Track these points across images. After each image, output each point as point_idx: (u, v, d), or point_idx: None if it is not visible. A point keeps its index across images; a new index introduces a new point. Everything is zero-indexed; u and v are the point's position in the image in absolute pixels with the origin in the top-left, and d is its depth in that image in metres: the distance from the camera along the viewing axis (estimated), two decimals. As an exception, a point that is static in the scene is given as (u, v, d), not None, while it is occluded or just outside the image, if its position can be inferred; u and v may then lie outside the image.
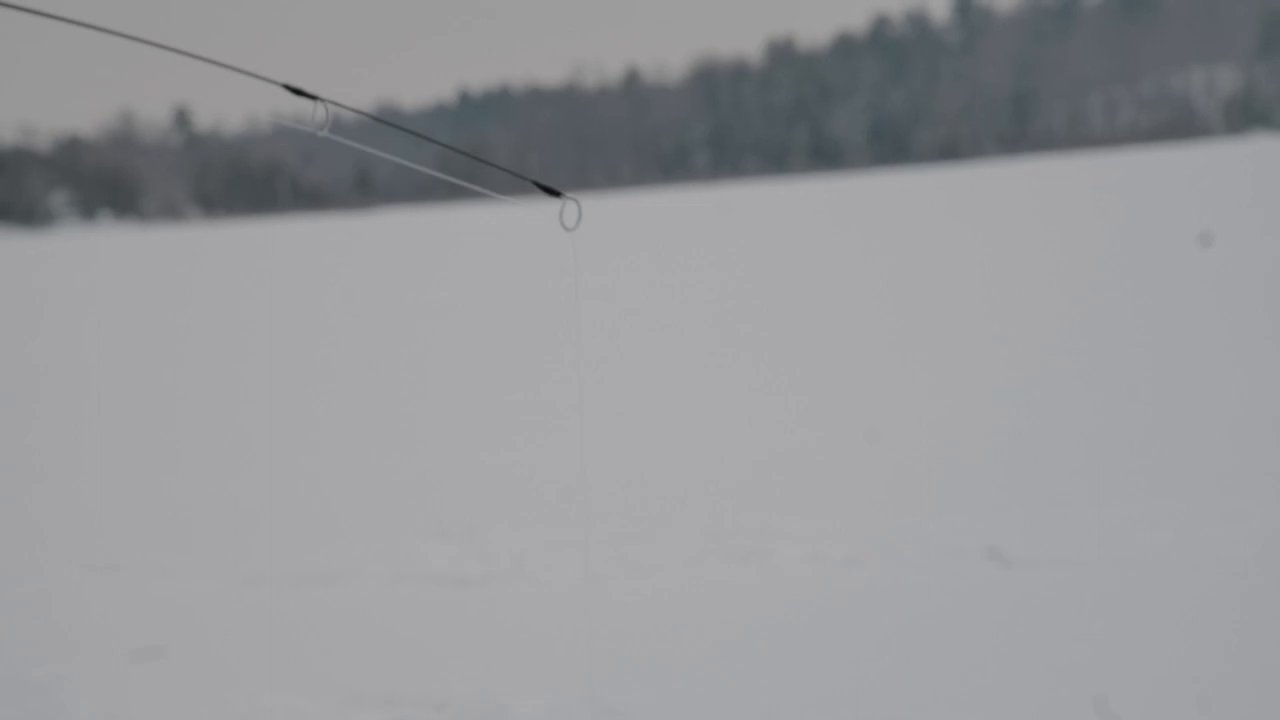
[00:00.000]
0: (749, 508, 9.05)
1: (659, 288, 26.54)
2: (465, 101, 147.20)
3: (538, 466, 10.84)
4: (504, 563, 8.16)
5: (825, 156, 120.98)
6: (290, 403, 15.63)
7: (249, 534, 9.34)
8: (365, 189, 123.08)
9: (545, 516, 9.21)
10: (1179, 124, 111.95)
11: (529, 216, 69.85)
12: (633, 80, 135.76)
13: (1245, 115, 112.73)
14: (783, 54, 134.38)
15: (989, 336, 16.58)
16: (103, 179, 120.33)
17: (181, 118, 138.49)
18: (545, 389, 15.06)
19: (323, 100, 1.86)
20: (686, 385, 14.65)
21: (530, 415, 13.35)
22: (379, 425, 13.53)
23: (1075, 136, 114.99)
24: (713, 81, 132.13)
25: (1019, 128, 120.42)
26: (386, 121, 2.01)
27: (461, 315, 24.16)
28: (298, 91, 1.87)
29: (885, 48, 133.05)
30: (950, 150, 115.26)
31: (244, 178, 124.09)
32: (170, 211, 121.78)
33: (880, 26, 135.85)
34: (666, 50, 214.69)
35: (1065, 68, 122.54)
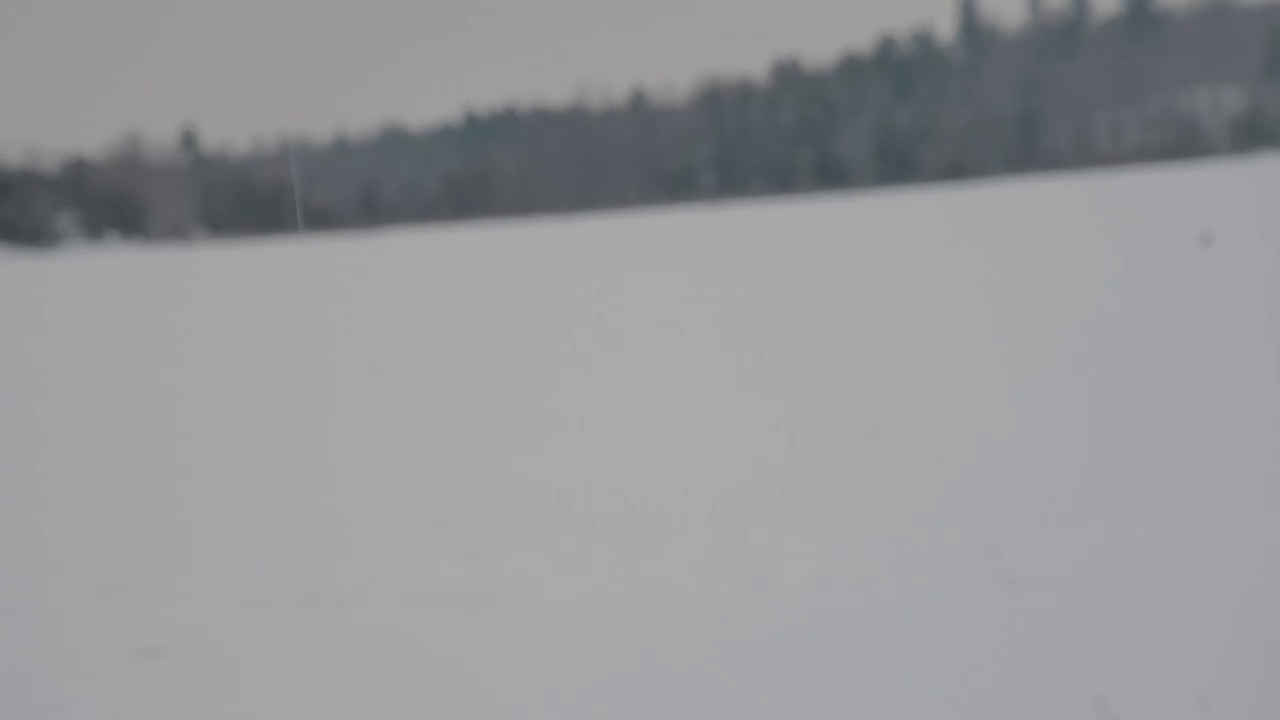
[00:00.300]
0: (756, 523, 9.03)
1: (663, 303, 26.55)
2: (471, 122, 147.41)
3: (545, 483, 10.82)
4: (512, 581, 8.15)
5: (831, 176, 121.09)
6: (295, 421, 15.62)
7: (255, 553, 9.32)
8: (371, 209, 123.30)
9: (552, 533, 9.19)
10: (1185, 143, 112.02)
11: (533, 235, 69.87)
12: (639, 101, 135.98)
13: (1251, 135, 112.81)
14: (788, 74, 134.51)
15: (994, 354, 16.57)
16: (109, 200, 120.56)
17: (188, 139, 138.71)
18: (549, 405, 15.06)
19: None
20: (691, 400, 14.64)
21: (535, 431, 13.35)
22: (384, 443, 13.52)
23: (1081, 156, 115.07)
24: (718, 102, 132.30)
25: (1025, 147, 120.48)
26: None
27: (465, 332, 24.17)
28: None
29: (891, 68, 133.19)
30: (956, 169, 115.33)
31: (250, 198, 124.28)
32: (177, 232, 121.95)
33: (886, 47, 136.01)
34: (672, 71, 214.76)
35: (1071, 87, 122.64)
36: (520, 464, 11.85)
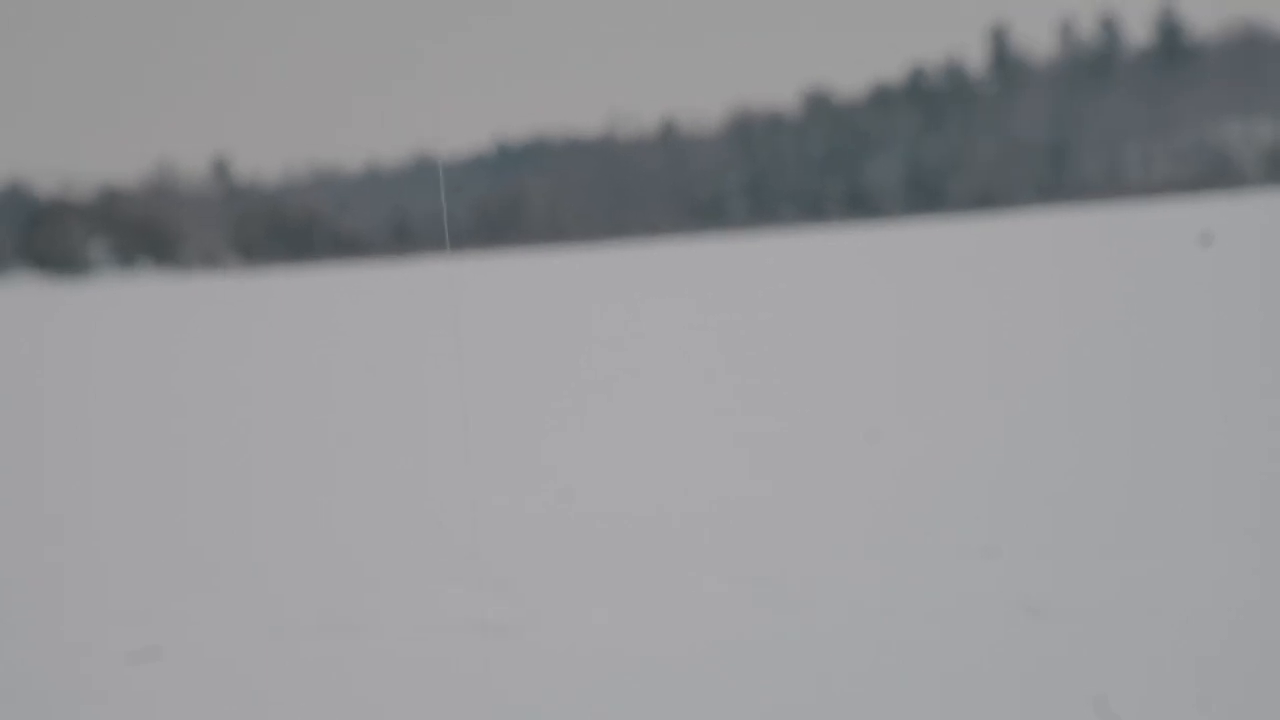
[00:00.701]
0: (776, 550, 9.01)
1: (686, 329, 26.56)
2: (503, 152, 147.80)
3: (562, 506, 10.82)
4: (528, 610, 8.13)
5: (861, 205, 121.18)
6: (314, 446, 15.65)
7: (270, 581, 9.33)
8: (402, 237, 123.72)
9: (569, 557, 9.19)
10: (1216, 174, 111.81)
11: (563, 263, 70.01)
12: (669, 130, 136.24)
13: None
14: (819, 104, 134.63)
15: (1010, 378, 16.56)
16: (142, 228, 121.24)
17: (220, 168, 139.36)
18: (567, 430, 15.06)
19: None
20: (710, 425, 14.63)
21: (553, 456, 13.35)
22: (402, 468, 13.53)
23: (1112, 186, 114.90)
24: (749, 131, 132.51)
25: (1055, 178, 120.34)
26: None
27: (489, 358, 24.21)
28: None
29: (921, 98, 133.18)
30: (986, 199, 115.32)
31: (281, 227, 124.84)
32: (209, 259, 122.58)
33: (916, 77, 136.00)
34: (703, 100, 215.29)
35: (1102, 119, 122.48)
36: (538, 488, 11.85)
